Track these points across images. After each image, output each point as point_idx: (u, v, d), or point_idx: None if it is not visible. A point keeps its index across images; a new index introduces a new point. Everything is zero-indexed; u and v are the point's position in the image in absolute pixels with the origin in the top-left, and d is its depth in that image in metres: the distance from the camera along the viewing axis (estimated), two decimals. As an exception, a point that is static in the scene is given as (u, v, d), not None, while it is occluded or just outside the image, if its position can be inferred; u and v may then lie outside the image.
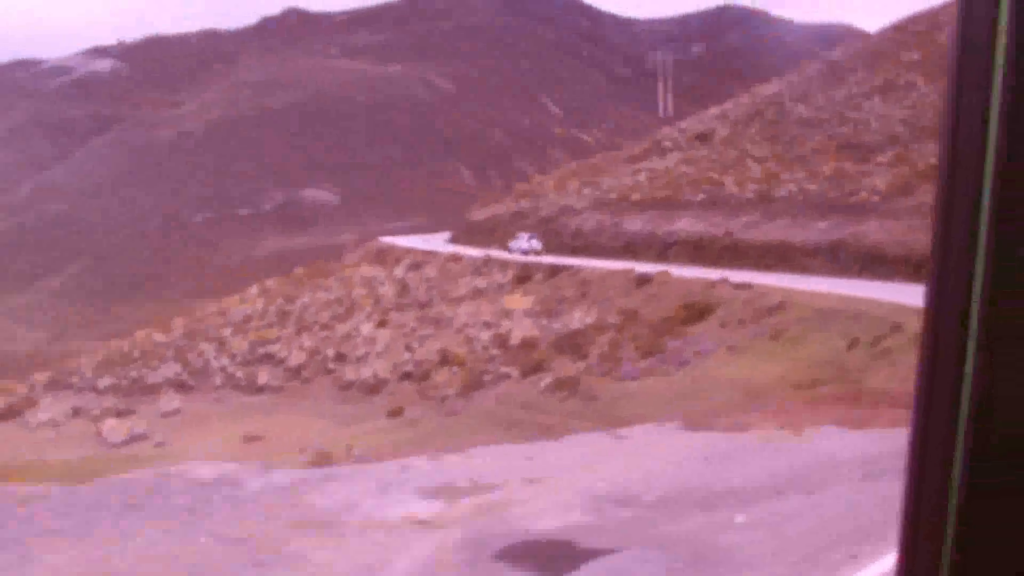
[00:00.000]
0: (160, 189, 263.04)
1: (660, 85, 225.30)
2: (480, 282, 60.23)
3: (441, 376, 43.46)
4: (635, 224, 63.37)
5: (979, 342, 1.75)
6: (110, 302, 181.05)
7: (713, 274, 45.39)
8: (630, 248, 61.08)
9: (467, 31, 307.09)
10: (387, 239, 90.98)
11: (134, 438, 46.86)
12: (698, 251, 55.70)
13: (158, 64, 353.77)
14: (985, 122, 1.74)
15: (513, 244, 69.56)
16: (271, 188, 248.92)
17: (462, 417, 34.07)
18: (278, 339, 58.98)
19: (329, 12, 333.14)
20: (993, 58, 1.73)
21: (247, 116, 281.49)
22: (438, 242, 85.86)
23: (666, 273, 47.92)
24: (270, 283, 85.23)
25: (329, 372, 51.65)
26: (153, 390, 57.05)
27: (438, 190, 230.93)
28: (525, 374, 38.66)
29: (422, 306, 59.68)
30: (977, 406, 1.76)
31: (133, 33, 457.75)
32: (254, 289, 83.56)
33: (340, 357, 53.03)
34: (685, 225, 59.05)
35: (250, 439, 41.25)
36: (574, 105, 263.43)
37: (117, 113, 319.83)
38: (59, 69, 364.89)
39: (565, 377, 33.41)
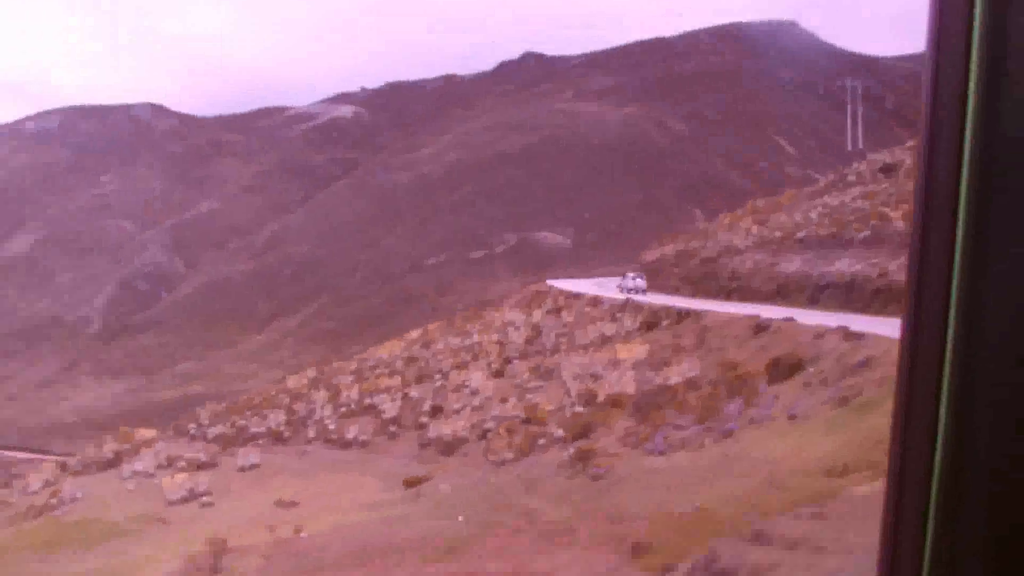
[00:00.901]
0: (398, 231, 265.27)
1: (849, 116, 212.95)
2: (609, 328, 53.98)
3: (501, 440, 37.55)
4: (792, 265, 55.95)
5: (956, 354, 1.83)
6: (344, 342, 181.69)
7: (852, 321, 37.86)
8: (782, 291, 53.86)
9: (702, 72, 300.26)
10: (552, 282, 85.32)
11: (194, 495, 42.61)
12: (850, 294, 48.05)
13: (398, 109, 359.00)
14: (962, 123, 1.81)
15: (621, 282, 68.17)
16: (505, 230, 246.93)
17: (473, 492, 28.08)
18: (388, 389, 54.01)
19: (565, 55, 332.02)
20: (969, 61, 1.79)
21: (483, 159, 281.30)
22: (611, 285, 79.90)
23: (789, 321, 40.65)
24: (432, 327, 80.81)
25: (420, 427, 46.30)
26: (253, 440, 53.07)
27: (671, 233, 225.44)
28: (573, 438, 32.43)
29: (549, 353, 53.81)
30: (955, 419, 1.83)
31: (374, 80, 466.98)
32: (414, 333, 79.20)
33: (436, 411, 47.62)
34: (842, 265, 51.32)
35: (283, 505, 36.32)
36: (810, 145, 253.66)
37: (358, 158, 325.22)
38: (303, 116, 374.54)
39: (585, 449, 27.07)
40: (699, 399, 31.28)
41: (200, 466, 48.65)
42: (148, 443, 57.76)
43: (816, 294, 50.93)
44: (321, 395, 57.64)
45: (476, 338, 62.70)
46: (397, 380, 56.01)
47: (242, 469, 46.50)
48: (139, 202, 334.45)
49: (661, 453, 25.88)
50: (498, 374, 51.96)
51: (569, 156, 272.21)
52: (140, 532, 36.15)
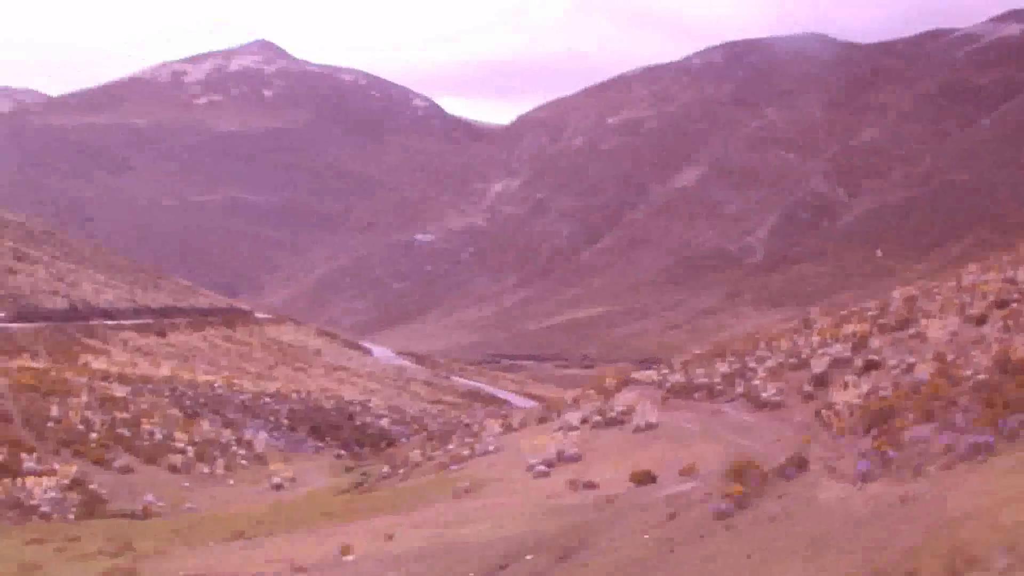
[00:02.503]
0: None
1: None
2: None
3: (841, 420, 27.58)
4: None
5: None
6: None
7: None
8: None
9: None
10: None
11: (557, 460, 36.29)
12: None
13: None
14: None
15: None
16: None
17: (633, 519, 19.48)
18: (846, 336, 44.08)
19: None
20: None
21: None
22: None
23: None
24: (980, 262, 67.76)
25: (842, 387, 36.55)
26: (694, 392, 45.49)
27: None
28: (866, 428, 22.38)
29: (1052, 296, 41.20)
30: None
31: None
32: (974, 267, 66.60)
33: (869, 367, 37.49)
34: None
35: (576, 487, 28.95)
36: None
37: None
38: (968, 37, 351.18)
39: (739, 468, 17.58)
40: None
41: (609, 422, 42.19)
42: (608, 391, 51.95)
43: None
44: (784, 342, 48.83)
45: (990, 275, 50.43)
46: (866, 325, 45.78)
47: (637, 429, 39.46)
48: (801, 132, 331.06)
49: (863, 479, 16.05)
50: (979, 320, 40.42)
51: None
52: (426, 503, 30.64)
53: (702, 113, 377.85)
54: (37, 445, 48.79)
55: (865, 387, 33.94)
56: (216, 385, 74.30)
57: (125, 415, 54.58)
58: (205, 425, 58.58)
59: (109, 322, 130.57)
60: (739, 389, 42.39)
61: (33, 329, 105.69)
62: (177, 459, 50.81)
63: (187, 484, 48.67)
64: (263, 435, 61.16)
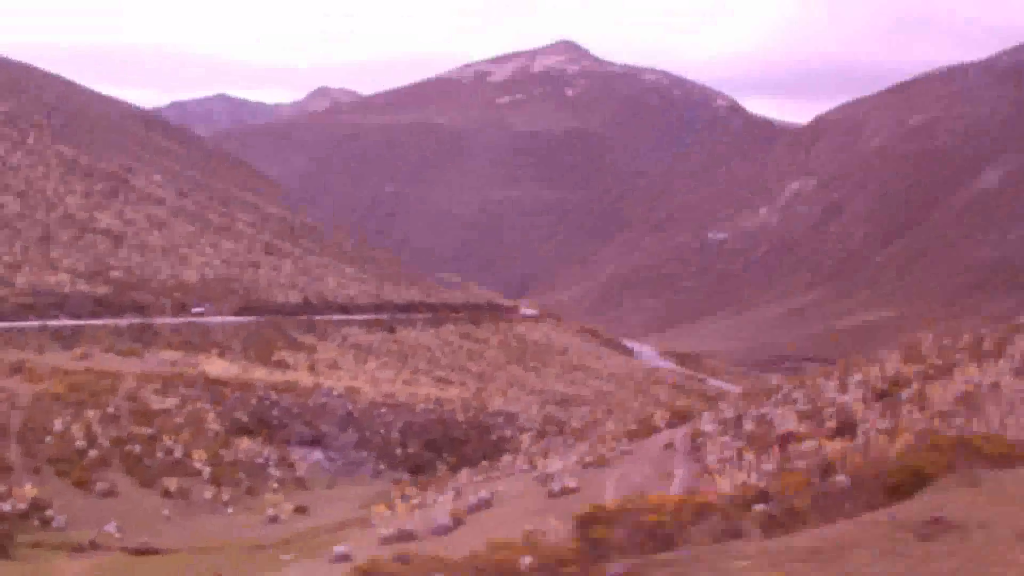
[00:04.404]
0: None
1: None
2: None
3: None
4: None
5: None
6: None
7: None
8: None
9: None
10: None
11: (429, 534, 27.93)
12: None
13: None
14: None
15: None
16: None
17: None
18: (880, 380, 33.31)
19: None
20: None
21: None
22: None
23: None
24: None
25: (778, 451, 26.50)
26: (699, 438, 35.70)
27: None
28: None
29: None
30: None
31: None
32: None
33: (842, 430, 27.21)
34: None
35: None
36: None
37: None
38: None
39: None
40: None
41: (545, 479, 33.35)
42: (653, 427, 42.75)
43: None
44: (824, 381, 38.17)
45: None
46: (916, 366, 34.65)
47: (551, 494, 30.38)
48: None
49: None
50: (1018, 373, 29.27)
51: None
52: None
53: (1007, 113, 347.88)
54: (20, 462, 44.27)
55: (770, 467, 24.32)
56: (334, 393, 68.53)
57: (147, 430, 49.37)
58: (245, 443, 52.68)
59: (339, 317, 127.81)
60: (709, 446, 32.69)
61: (237, 324, 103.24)
62: (174, 483, 44.95)
63: (166, 512, 42.82)
64: (317, 455, 54.81)
